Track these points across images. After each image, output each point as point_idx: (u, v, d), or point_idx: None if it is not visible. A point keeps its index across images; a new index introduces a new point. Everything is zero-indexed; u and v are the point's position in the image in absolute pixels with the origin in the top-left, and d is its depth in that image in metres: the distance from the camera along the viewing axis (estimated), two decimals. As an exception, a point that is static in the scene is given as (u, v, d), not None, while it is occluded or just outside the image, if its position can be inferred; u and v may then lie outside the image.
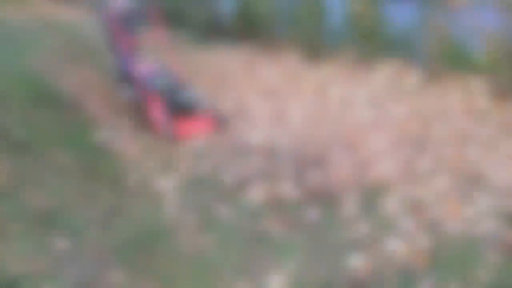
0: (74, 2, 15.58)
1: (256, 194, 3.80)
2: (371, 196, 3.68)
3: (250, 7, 9.04)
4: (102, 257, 3.15)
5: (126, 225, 3.49)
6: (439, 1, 5.54)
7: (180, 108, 4.91)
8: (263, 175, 4.11)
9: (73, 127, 5.47)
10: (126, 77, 5.69)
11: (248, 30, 9.34)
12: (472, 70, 5.88)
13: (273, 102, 5.87)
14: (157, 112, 4.91)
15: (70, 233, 3.41)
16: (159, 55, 6.55)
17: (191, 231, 3.37)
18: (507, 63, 4.97)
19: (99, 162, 4.57)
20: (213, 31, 10.04)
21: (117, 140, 4.94)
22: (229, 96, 6.31)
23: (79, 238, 3.35)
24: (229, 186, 3.96)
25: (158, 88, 5.03)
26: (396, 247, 3.03)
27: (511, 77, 4.96)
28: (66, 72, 8.07)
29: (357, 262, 2.93)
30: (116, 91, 6.03)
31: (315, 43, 7.49)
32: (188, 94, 5.06)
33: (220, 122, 4.93)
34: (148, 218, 3.57)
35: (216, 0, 10.22)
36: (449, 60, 6.01)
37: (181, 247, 3.20)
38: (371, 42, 6.69)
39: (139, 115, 5.22)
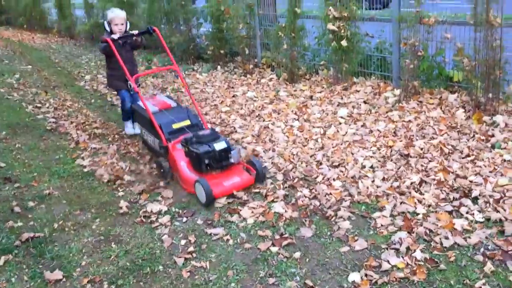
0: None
1: (248, 213, 3.81)
2: (364, 212, 3.72)
3: (225, 30, 9.16)
4: (99, 287, 3.09)
5: (120, 252, 3.44)
6: (414, 19, 5.72)
7: (216, 162, 4.13)
8: (254, 194, 4.13)
9: (54, 153, 5.40)
10: (136, 115, 5.29)
11: (224, 53, 9.46)
12: (447, 84, 6.08)
13: (256, 123, 5.92)
14: (187, 168, 4.28)
15: (60, 264, 3.34)
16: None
17: (186, 254, 3.34)
18: (480, 76, 5.15)
19: (85, 189, 4.52)
20: (190, 54, 10.13)
21: (99, 166, 4.91)
22: (213, 118, 6.35)
23: (71, 268, 3.28)
24: (219, 206, 3.97)
25: (185, 138, 4.30)
26: (393, 262, 3.06)
27: (485, 89, 5.14)
28: (44, 96, 8.00)
29: (356, 279, 2.95)
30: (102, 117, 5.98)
31: (293, 64, 7.59)
32: (220, 142, 4.17)
33: (259, 176, 4.22)
34: (141, 244, 3.52)
35: (192, 24, 10.32)
36: (425, 76, 6.18)
37: (177, 271, 3.17)
38: (348, 60, 6.83)
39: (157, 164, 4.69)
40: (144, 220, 3.87)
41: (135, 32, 5.23)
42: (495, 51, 4.96)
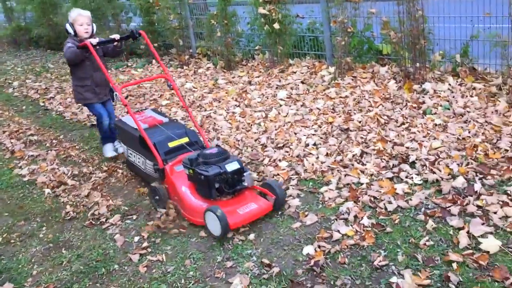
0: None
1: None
2: (311, 188, 3.84)
3: (156, 23, 9.03)
4: (53, 294, 3.03)
5: (72, 257, 3.37)
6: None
7: (228, 186, 3.48)
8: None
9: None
10: (120, 133, 4.51)
11: (157, 46, 9.31)
12: (378, 58, 6.31)
13: (198, 114, 5.91)
14: (191, 194, 3.60)
15: (10, 276, 3.23)
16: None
17: (141, 250, 3.32)
18: (407, 47, 5.39)
19: (26, 199, 4.37)
20: (123, 50, 9.91)
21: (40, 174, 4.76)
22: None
23: (22, 278, 3.19)
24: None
25: (189, 158, 3.58)
26: (343, 231, 3.19)
27: (413, 59, 5.38)
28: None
29: (310, 251, 3.05)
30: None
31: (229, 51, 7.61)
32: (232, 163, 3.50)
33: (279, 201, 3.55)
34: (93, 246, 3.46)
35: (121, 19, 10.09)
36: (356, 51, 6.38)
37: (133, 268, 3.15)
38: (282, 43, 6.93)
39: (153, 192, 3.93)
40: (93, 222, 3.80)
41: (116, 36, 4.48)
42: (418, 21, 5.20)
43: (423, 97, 5.08)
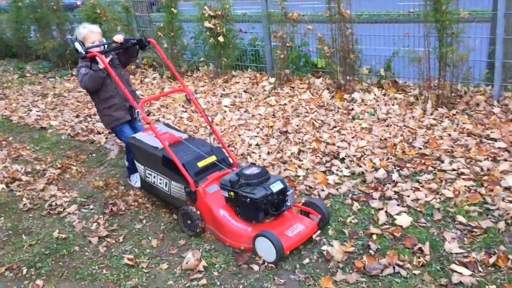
0: None
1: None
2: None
3: (103, 34, 9.27)
4: (18, 272, 3.27)
5: (32, 241, 3.61)
6: (280, 15, 6.47)
7: (273, 207, 3.24)
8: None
9: None
10: (136, 152, 3.97)
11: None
12: (313, 70, 6.95)
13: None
14: (231, 218, 3.35)
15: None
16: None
17: (99, 234, 3.63)
18: (339, 61, 6.03)
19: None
20: (67, 59, 10.02)
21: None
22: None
23: (-14, 261, 3.40)
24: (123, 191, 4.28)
25: (230, 180, 3.27)
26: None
27: (343, 72, 6.02)
28: None
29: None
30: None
31: (175, 62, 7.99)
32: (276, 183, 3.26)
33: (325, 220, 3.36)
34: (53, 231, 3.72)
35: (66, 29, 10.21)
36: (294, 64, 6.98)
37: (93, 248, 3.46)
38: (226, 55, 7.42)
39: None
40: (51, 212, 4.04)
41: (119, 38, 4.04)
42: (348, 38, 5.86)
43: (352, 105, 5.72)
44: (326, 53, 6.14)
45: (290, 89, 6.61)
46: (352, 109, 5.59)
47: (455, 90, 5.37)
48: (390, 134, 4.83)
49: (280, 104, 6.14)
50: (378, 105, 5.62)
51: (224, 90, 7.06)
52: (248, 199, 3.13)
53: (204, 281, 2.97)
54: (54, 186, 4.48)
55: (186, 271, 3.09)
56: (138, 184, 4.33)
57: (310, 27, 6.41)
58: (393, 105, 5.58)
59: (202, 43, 8.04)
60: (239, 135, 5.31)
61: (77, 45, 3.91)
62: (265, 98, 6.47)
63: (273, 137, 5.17)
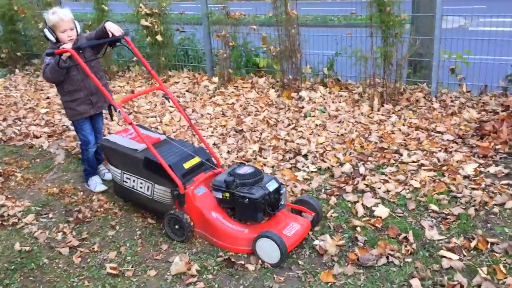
0: None
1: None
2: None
3: (23, 31, 8.62)
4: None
5: (-8, 256, 3.27)
6: (222, 14, 6.44)
7: (270, 207, 3.17)
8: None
9: None
10: (110, 154, 3.70)
11: (21, 55, 8.85)
12: (255, 70, 6.99)
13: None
14: (225, 220, 3.22)
15: None
16: None
17: (68, 244, 3.36)
18: (284, 60, 6.14)
19: None
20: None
21: None
22: (36, 120, 6.05)
23: None
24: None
25: (225, 181, 3.16)
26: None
27: (289, 71, 6.13)
28: None
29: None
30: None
31: (106, 61, 7.63)
32: (271, 182, 3.20)
33: (318, 218, 3.36)
34: (13, 245, 3.39)
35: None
36: (236, 64, 6.97)
37: (66, 260, 3.20)
38: (164, 54, 7.22)
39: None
40: (4, 223, 3.67)
41: (115, 29, 3.63)
42: (294, 38, 5.97)
43: (301, 103, 5.83)
44: (272, 52, 6.20)
45: (235, 89, 6.59)
46: (303, 107, 5.70)
47: (396, 88, 5.68)
48: (345, 130, 4.99)
49: (227, 104, 6.10)
50: (326, 102, 5.79)
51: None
52: (247, 200, 3.04)
53: (201, 284, 2.86)
54: (1, 196, 4.07)
55: (177, 275, 2.96)
56: (99, 189, 4.12)
57: (255, 27, 6.44)
58: (339, 102, 5.78)
59: (136, 42, 7.74)
60: (194, 135, 5.18)
61: (47, 32, 3.67)
62: (210, 98, 6.39)
63: (230, 136, 5.12)
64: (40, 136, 5.40)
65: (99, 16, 7.51)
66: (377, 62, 5.55)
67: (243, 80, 6.83)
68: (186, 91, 6.72)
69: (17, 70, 8.77)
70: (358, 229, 3.31)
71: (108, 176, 4.24)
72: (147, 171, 3.44)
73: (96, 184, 4.16)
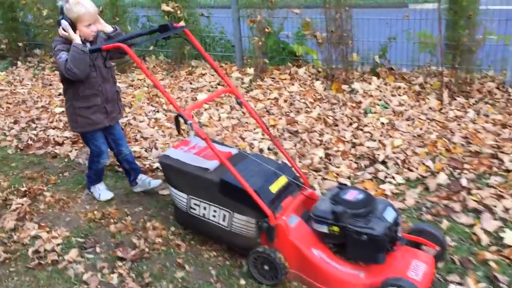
0: None
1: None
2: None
3: (18, 20, 7.84)
4: None
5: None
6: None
7: (390, 242, 2.48)
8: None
9: None
10: (175, 175, 2.99)
11: (23, 46, 8.06)
12: (292, 59, 6.28)
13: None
14: (330, 260, 2.55)
15: None
16: None
17: None
18: (333, 47, 5.44)
19: None
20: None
21: None
22: (54, 122, 5.31)
23: None
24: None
25: (334, 212, 2.50)
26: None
27: (339, 60, 5.43)
28: None
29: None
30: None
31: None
32: (388, 210, 2.54)
33: (443, 252, 2.68)
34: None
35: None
36: (273, 53, 6.24)
37: None
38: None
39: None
40: (42, 262, 2.98)
41: (107, 28, 3.20)
42: (347, 22, 5.25)
43: (355, 96, 5.15)
44: (318, 39, 5.48)
45: (273, 81, 5.88)
46: (360, 102, 5.01)
47: (463, 78, 5.01)
48: (420, 129, 4.33)
49: (269, 99, 5.40)
50: (384, 96, 5.11)
51: (191, 83, 6.13)
52: (365, 236, 2.39)
53: None
54: (32, 223, 3.37)
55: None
56: (104, 196, 3.63)
57: (298, 11, 5.70)
58: (399, 95, 5.10)
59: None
60: (243, 138, 4.49)
61: (66, 26, 3.05)
62: (247, 92, 5.68)
63: (285, 139, 4.43)
64: (63, 143, 4.68)
65: (112, 0, 6.73)
66: (445, 49, 4.86)
67: (279, 71, 6.11)
68: (218, 84, 6.00)
69: (19, 62, 7.96)
70: (492, 264, 2.67)
71: (155, 183, 3.68)
72: (223, 196, 2.76)
73: (100, 191, 3.65)
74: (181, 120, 2.66)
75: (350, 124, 4.57)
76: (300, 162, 3.98)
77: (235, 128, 4.74)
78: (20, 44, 8.03)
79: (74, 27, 3.08)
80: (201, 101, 2.94)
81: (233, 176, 2.64)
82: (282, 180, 2.82)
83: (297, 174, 2.99)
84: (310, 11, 5.74)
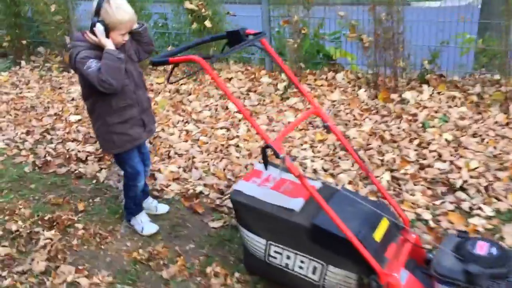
0: None
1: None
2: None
3: (32, 16, 7.23)
4: None
5: None
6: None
7: None
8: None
9: None
10: (253, 219, 2.49)
11: (27, 44, 7.45)
12: (328, 63, 5.79)
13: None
14: None
15: None
16: None
17: None
18: (383, 52, 4.95)
19: None
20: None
21: None
22: (71, 134, 4.77)
23: None
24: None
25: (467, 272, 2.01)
26: None
27: (388, 66, 4.93)
28: None
29: None
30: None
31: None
32: None
33: None
34: None
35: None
36: (307, 56, 5.73)
37: None
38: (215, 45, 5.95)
39: None
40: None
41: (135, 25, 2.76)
42: (398, 24, 4.76)
43: (407, 107, 4.67)
44: (364, 42, 4.98)
45: (309, 87, 5.38)
46: (415, 114, 4.52)
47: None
48: (495, 148, 3.85)
49: (308, 108, 4.89)
50: (440, 107, 4.63)
51: (217, 89, 5.61)
52: None
53: None
54: (66, 265, 2.84)
55: None
56: (148, 230, 3.12)
57: (342, 13, 5.19)
58: (456, 106, 4.63)
59: (182, 27, 6.42)
60: (305, 158, 3.98)
61: (101, 29, 2.58)
62: (282, 100, 5.17)
63: (339, 158, 3.94)
64: (86, 160, 4.14)
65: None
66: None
67: (314, 76, 5.62)
68: (249, 90, 5.48)
69: (22, 62, 7.37)
70: None
71: (163, 209, 3.32)
72: (315, 244, 2.28)
73: (142, 224, 3.14)
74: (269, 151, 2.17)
75: (411, 141, 4.09)
76: (365, 187, 3.49)
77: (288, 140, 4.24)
78: (24, 41, 7.43)
79: (106, 32, 2.62)
80: (287, 128, 2.42)
81: (327, 219, 2.16)
82: (385, 224, 2.34)
83: (396, 213, 2.50)
84: (352, 11, 5.22)
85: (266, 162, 2.19)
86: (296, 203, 2.37)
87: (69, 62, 2.81)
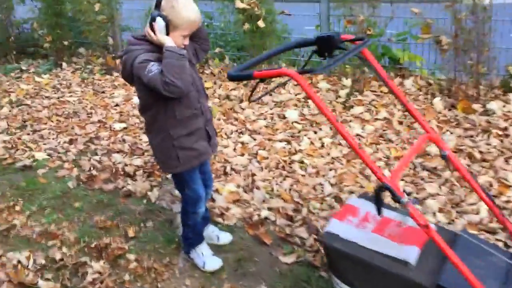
0: None
1: None
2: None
3: (74, 15, 6.94)
4: None
5: None
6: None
7: None
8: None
9: None
10: (350, 269, 2.06)
11: (68, 44, 7.18)
12: (394, 67, 5.25)
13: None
14: None
15: None
16: None
17: None
18: (465, 55, 4.40)
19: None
20: (11, 49, 7.54)
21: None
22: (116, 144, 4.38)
23: None
24: None
25: None
26: None
27: (471, 73, 4.37)
28: None
29: None
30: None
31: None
32: None
33: None
34: None
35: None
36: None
37: None
38: (266, 45, 5.50)
39: None
40: None
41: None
42: (484, 25, 4.19)
43: (494, 119, 4.09)
44: (442, 46, 4.43)
45: (374, 94, 4.86)
46: (505, 128, 3.95)
47: None
48: None
49: (378, 119, 4.38)
50: (531, 119, 4.04)
51: (271, 95, 5.14)
52: None
53: None
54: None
55: None
56: (211, 265, 2.67)
57: (417, 10, 4.65)
58: (551, 120, 4.04)
59: (232, 28, 6.01)
60: (366, 178, 3.48)
61: (162, 29, 2.20)
62: (344, 109, 4.67)
63: (422, 179, 3.41)
64: (135, 175, 3.74)
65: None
66: None
67: (378, 82, 5.09)
68: (306, 97, 5.00)
69: (64, 64, 7.08)
70: None
71: (226, 238, 2.89)
72: None
73: (204, 258, 2.69)
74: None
75: (506, 160, 3.53)
76: (460, 217, 2.96)
77: (350, 160, 3.74)
78: (66, 42, 7.14)
79: (167, 30, 2.22)
80: (401, 163, 1.93)
81: (455, 279, 1.66)
82: None
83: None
84: (425, 9, 4.68)
85: (380, 207, 1.71)
86: (410, 253, 1.88)
87: (122, 71, 2.40)
